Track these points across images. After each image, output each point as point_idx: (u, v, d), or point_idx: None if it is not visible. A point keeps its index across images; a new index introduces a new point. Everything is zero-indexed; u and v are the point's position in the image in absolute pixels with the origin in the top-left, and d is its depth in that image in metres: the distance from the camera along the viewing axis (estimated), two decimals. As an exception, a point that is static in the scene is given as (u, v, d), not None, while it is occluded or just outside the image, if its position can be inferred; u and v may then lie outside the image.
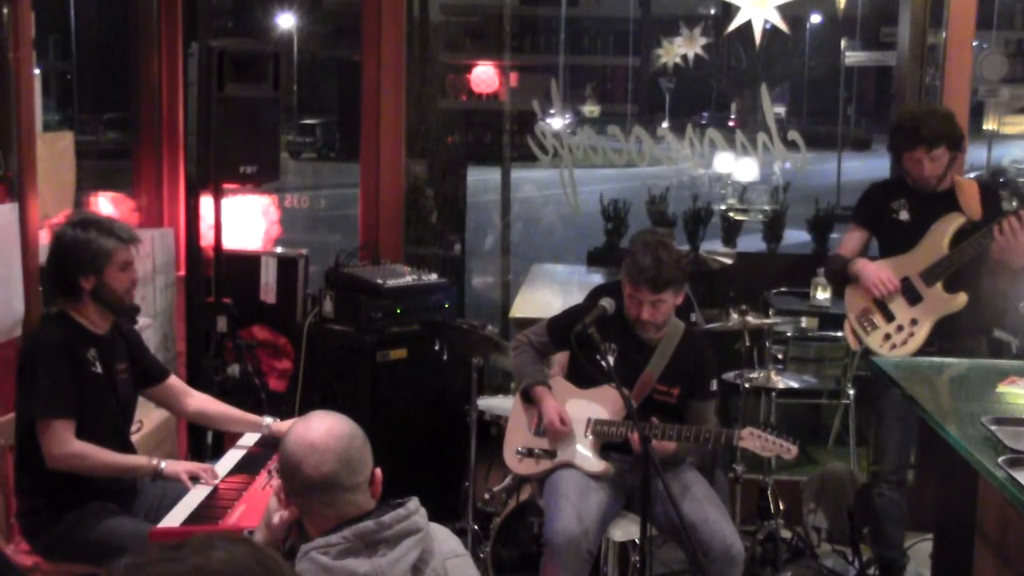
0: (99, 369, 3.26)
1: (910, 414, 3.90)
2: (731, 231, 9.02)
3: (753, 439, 3.42)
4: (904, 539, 4.28)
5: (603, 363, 3.37)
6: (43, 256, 4.31)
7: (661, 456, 3.35)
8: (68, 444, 3.13)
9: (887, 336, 4.04)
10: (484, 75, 9.35)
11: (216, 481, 3.19)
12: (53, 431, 3.12)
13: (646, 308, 3.57)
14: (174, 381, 3.58)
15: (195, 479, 3.19)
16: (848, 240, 4.26)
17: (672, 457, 3.58)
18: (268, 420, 3.52)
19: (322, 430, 2.17)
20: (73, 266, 3.21)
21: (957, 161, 4.07)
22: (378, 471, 2.23)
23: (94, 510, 3.21)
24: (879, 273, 4.03)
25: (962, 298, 3.95)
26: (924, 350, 3.97)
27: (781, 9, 5.11)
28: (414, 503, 2.19)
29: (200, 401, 3.58)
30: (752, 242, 9.59)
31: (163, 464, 3.22)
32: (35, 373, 3.14)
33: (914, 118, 3.97)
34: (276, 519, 2.29)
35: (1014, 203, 4.21)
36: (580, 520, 3.38)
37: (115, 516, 3.22)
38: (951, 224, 3.97)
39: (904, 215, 4.09)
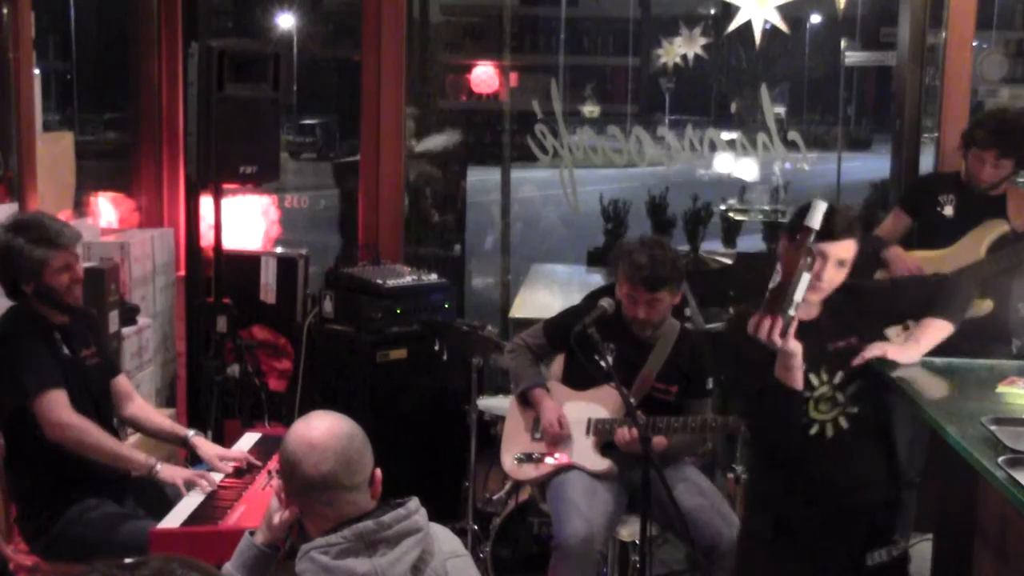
0: (67, 351, 3.26)
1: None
2: (731, 231, 9.04)
3: None
4: (909, 541, 4.27)
5: (602, 363, 3.37)
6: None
7: (655, 452, 3.36)
8: (67, 412, 3.12)
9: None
10: (484, 75, 9.34)
11: (213, 487, 3.17)
12: (50, 401, 3.11)
13: (642, 307, 3.58)
14: (122, 381, 3.56)
15: (191, 486, 3.16)
16: (890, 224, 4.22)
17: (665, 453, 3.58)
18: (191, 433, 3.46)
19: (322, 429, 2.17)
20: (10, 274, 3.21)
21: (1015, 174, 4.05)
22: (378, 471, 2.23)
23: (91, 509, 3.20)
24: (907, 263, 3.99)
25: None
26: (942, 350, 3.95)
27: (781, 9, 5.10)
28: (414, 503, 2.19)
29: (136, 408, 3.55)
30: (752, 242, 9.60)
31: (159, 467, 3.18)
32: (13, 359, 3.13)
33: (1000, 121, 3.92)
34: (276, 519, 2.29)
35: None
36: (589, 522, 3.38)
37: (114, 515, 3.21)
38: (993, 230, 3.94)
39: (949, 210, 4.06)
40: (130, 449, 3.30)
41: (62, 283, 3.23)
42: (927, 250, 4.04)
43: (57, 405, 3.12)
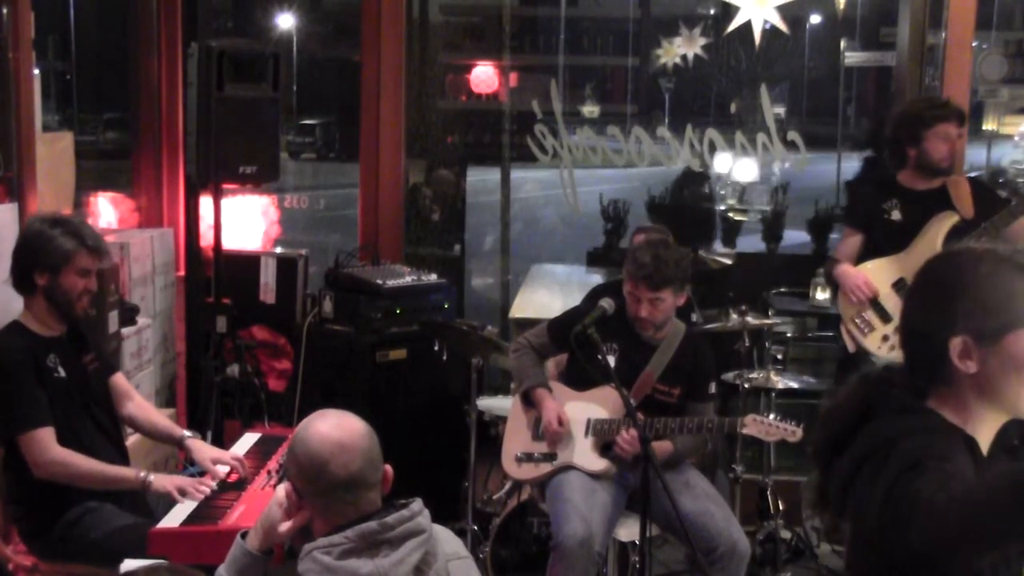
0: (62, 373, 3.21)
1: None
2: (731, 231, 9.02)
3: (756, 425, 3.45)
4: None
5: (603, 363, 3.38)
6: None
7: (660, 459, 3.36)
8: (51, 451, 3.10)
9: (885, 337, 4.03)
10: (484, 75, 9.32)
11: (208, 492, 3.13)
12: (35, 441, 3.09)
13: (644, 306, 3.58)
14: (119, 379, 3.53)
15: (184, 493, 3.12)
16: (845, 244, 4.24)
17: (670, 459, 3.58)
18: (188, 434, 3.43)
19: (345, 428, 2.14)
20: (31, 260, 3.17)
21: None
22: (388, 468, 2.21)
23: (91, 510, 3.19)
24: (854, 280, 4.03)
25: None
26: None
27: (781, 9, 5.10)
28: (418, 504, 2.18)
29: (134, 407, 3.52)
30: (752, 242, 9.58)
31: (151, 477, 3.15)
32: (4, 390, 3.10)
33: (933, 100, 4.14)
34: (284, 528, 2.23)
35: (1003, 194, 4.23)
36: (588, 522, 3.38)
37: (113, 516, 3.20)
38: (944, 223, 3.96)
39: (896, 215, 4.09)
40: (119, 469, 3.23)
41: (75, 287, 3.19)
42: (885, 257, 4.07)
43: (41, 446, 3.09)
